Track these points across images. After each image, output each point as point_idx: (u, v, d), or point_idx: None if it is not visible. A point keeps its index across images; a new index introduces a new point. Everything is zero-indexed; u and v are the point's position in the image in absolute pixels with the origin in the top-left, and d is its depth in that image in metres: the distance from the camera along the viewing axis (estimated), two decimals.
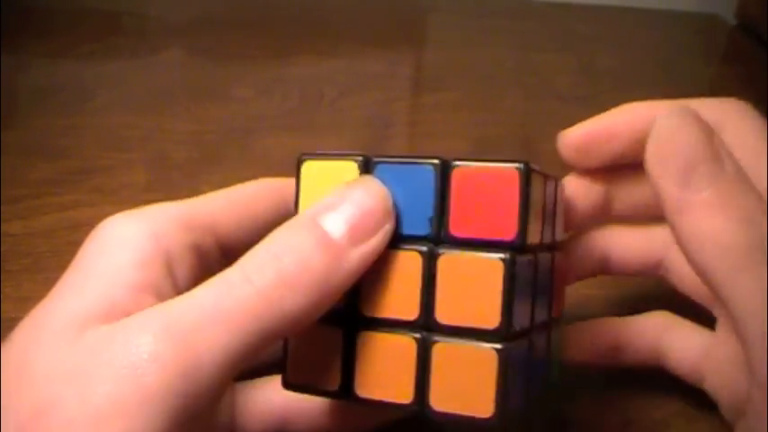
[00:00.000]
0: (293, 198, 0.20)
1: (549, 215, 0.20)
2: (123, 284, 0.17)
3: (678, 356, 0.23)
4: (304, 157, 0.20)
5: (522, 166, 0.17)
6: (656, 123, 0.18)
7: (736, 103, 0.21)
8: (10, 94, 0.49)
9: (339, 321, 0.19)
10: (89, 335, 0.16)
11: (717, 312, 0.22)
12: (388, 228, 0.18)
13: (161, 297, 0.18)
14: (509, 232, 0.18)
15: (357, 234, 0.17)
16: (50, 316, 0.17)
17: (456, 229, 0.18)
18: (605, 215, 0.24)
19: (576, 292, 0.25)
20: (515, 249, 0.18)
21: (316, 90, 0.52)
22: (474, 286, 0.18)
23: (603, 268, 0.24)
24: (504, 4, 0.76)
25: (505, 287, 0.17)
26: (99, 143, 0.43)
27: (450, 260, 0.18)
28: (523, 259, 0.18)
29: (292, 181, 0.21)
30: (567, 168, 0.24)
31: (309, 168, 0.20)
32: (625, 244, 0.24)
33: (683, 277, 0.23)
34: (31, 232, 0.34)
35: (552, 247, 0.21)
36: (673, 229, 0.18)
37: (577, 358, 0.24)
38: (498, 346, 0.17)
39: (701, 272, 0.17)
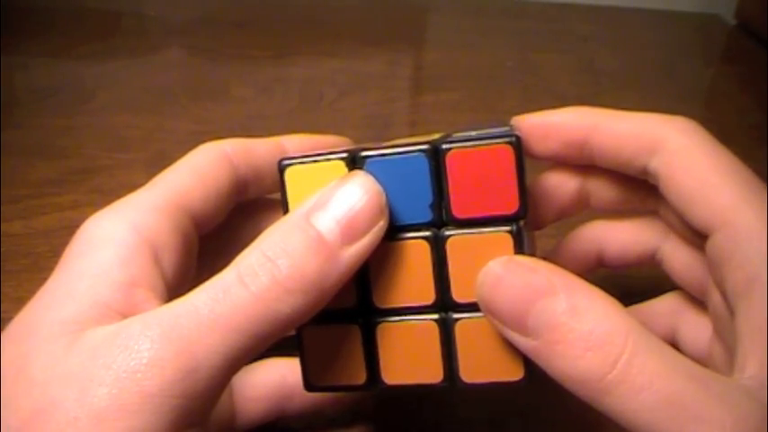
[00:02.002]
0: (280, 201, 0.20)
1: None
2: (111, 283, 0.18)
3: (691, 341, 0.23)
4: (285, 163, 0.19)
5: (513, 139, 0.18)
6: (478, 280, 0.18)
7: (680, 120, 0.21)
8: (10, 94, 0.49)
9: (353, 318, 0.20)
10: (87, 338, 0.16)
11: (708, 306, 0.22)
12: (381, 225, 0.18)
13: (152, 288, 0.18)
14: (512, 206, 0.18)
15: (350, 233, 0.17)
16: (43, 321, 0.17)
17: (459, 210, 0.18)
18: (582, 209, 0.24)
19: None
20: (519, 219, 0.18)
21: (316, 90, 0.52)
22: (486, 261, 0.18)
23: (600, 262, 0.24)
24: (504, 4, 0.76)
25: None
26: (99, 143, 0.43)
27: (458, 241, 0.18)
28: (525, 226, 0.19)
29: (238, 142, 0.22)
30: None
31: (294, 174, 0.19)
32: (619, 237, 0.24)
33: (676, 268, 0.23)
34: (31, 232, 0.34)
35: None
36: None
37: None
38: None
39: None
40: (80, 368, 0.16)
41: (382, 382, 0.20)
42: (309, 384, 0.20)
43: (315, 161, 0.19)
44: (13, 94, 0.49)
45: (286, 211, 0.20)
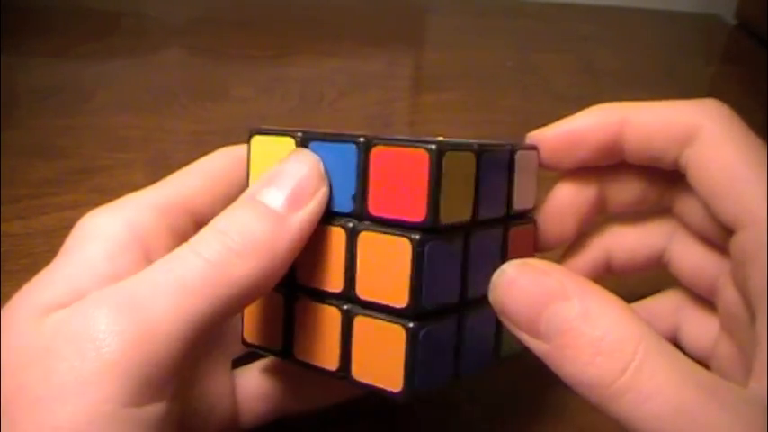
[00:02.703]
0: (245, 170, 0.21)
1: (493, 189, 0.20)
2: (94, 275, 0.18)
3: (693, 338, 0.23)
4: (254, 131, 0.21)
5: (433, 147, 0.17)
6: (492, 282, 0.18)
7: (712, 104, 0.20)
8: (10, 94, 0.49)
9: (281, 288, 0.20)
10: (50, 318, 0.17)
11: (718, 305, 0.22)
12: (323, 190, 0.19)
13: None
14: (418, 214, 0.18)
15: (295, 201, 0.18)
16: (19, 307, 0.17)
17: (374, 208, 0.19)
18: (600, 214, 0.24)
19: None
20: (428, 230, 0.18)
21: (316, 90, 0.52)
22: (388, 264, 0.18)
23: (608, 269, 0.24)
24: (505, 4, 0.76)
25: (414, 268, 0.18)
26: (99, 143, 0.43)
27: (368, 238, 0.19)
28: (440, 239, 0.18)
29: None
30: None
31: (258, 142, 0.21)
32: (625, 243, 0.24)
33: (684, 268, 0.23)
34: (31, 232, 0.34)
35: (507, 218, 0.21)
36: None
37: None
38: (408, 324, 0.18)
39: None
40: (43, 347, 0.16)
41: (293, 356, 0.20)
42: (243, 340, 0.22)
43: (274, 134, 0.20)
44: (13, 94, 0.49)
45: (247, 175, 0.21)
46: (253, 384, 0.23)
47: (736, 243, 0.19)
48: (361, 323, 0.19)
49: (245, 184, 0.20)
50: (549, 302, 0.17)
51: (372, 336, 0.19)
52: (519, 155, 0.21)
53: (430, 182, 0.17)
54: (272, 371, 0.23)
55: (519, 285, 0.18)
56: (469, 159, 0.19)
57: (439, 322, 0.18)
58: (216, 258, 0.17)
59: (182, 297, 0.16)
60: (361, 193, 0.19)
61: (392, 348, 0.18)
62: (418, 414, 0.26)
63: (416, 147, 0.18)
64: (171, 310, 0.16)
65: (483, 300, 0.19)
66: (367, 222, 0.19)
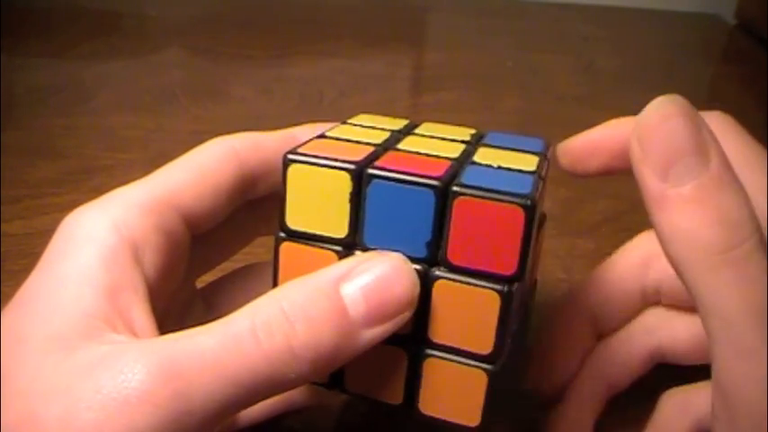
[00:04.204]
0: (280, 198, 0.19)
1: (540, 218, 0.20)
2: (94, 289, 0.17)
3: (670, 350, 0.24)
4: (291, 158, 0.19)
5: (527, 203, 0.17)
6: (646, 109, 0.17)
7: (717, 117, 0.20)
8: (10, 94, 0.49)
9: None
10: (78, 356, 0.16)
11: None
12: (405, 316, 0.17)
13: (134, 290, 0.18)
14: (509, 267, 0.17)
15: (375, 316, 0.17)
16: (31, 332, 0.17)
17: (454, 257, 0.18)
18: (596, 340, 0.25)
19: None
20: (513, 281, 0.17)
21: (316, 90, 0.52)
22: (469, 313, 0.18)
23: (657, 361, 0.25)
24: (505, 4, 0.76)
25: (501, 317, 0.18)
26: (99, 143, 0.43)
27: (445, 285, 0.18)
28: (519, 286, 0.18)
29: (248, 137, 0.21)
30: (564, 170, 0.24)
31: (297, 173, 0.19)
32: (677, 335, 0.24)
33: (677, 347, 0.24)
34: (31, 232, 0.34)
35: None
36: (651, 218, 0.17)
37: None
38: (489, 367, 0.18)
39: (674, 267, 0.17)
40: (67, 386, 0.15)
41: (342, 387, 0.20)
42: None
43: (321, 165, 0.18)
44: (13, 94, 0.49)
45: (283, 206, 0.19)
46: None
47: None
48: (433, 364, 0.19)
49: (280, 217, 0.19)
50: (692, 153, 0.16)
51: (446, 376, 0.19)
52: (548, 158, 0.21)
53: (524, 237, 0.17)
54: None
55: (674, 122, 0.17)
56: (532, 210, 0.18)
57: (502, 358, 0.19)
58: (273, 354, 0.16)
59: (227, 383, 0.16)
60: (437, 241, 0.18)
61: (470, 388, 0.18)
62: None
63: (508, 200, 0.17)
64: (213, 392, 0.15)
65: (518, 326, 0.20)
66: (442, 269, 0.18)
